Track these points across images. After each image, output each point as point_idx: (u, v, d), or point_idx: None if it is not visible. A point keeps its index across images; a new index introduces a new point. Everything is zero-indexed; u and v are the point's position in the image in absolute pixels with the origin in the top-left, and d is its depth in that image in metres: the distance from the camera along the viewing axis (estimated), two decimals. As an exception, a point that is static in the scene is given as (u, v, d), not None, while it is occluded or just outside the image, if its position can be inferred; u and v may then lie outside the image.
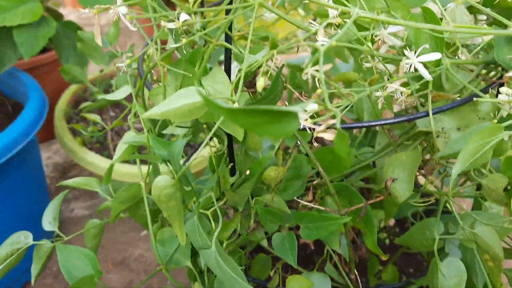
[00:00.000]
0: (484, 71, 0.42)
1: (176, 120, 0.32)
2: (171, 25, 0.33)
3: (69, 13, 2.00)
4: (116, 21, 0.64)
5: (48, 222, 0.58)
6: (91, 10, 0.31)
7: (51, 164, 1.23)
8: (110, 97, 0.48)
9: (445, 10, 0.43)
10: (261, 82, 0.35)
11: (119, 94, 0.47)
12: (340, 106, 0.35)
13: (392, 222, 0.72)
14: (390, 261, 0.64)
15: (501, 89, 0.38)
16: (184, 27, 0.34)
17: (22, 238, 0.55)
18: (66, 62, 0.89)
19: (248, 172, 0.40)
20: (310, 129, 0.36)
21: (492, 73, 0.43)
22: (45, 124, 0.88)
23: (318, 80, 0.32)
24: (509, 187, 0.33)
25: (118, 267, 0.99)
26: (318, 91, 0.34)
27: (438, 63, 0.37)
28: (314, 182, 0.47)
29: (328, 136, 0.36)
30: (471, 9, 0.46)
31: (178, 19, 0.33)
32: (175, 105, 0.32)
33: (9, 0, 0.74)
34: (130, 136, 0.46)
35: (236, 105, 0.34)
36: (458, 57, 0.47)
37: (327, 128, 0.36)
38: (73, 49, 0.88)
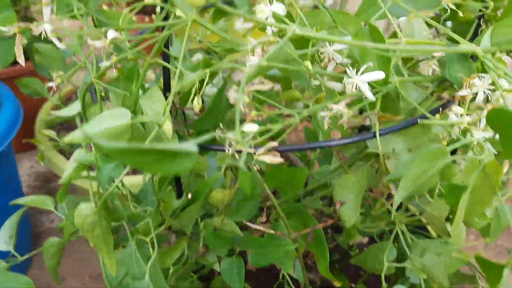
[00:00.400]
0: (439, 88, 0.40)
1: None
2: (98, 44, 0.32)
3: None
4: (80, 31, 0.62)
5: (4, 241, 0.56)
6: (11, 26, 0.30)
7: (33, 174, 1.21)
8: (60, 113, 0.47)
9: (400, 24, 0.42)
10: (195, 102, 0.34)
11: (69, 111, 0.46)
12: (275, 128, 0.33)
13: (365, 239, 0.70)
14: (360, 280, 0.62)
15: (453, 108, 0.36)
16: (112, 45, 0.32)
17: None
18: (43, 71, 0.88)
19: (190, 195, 0.39)
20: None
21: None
22: (28, 133, 0.85)
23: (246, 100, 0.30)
24: (451, 216, 0.31)
25: (95, 280, 0.97)
26: (253, 113, 0.32)
27: (386, 81, 0.35)
28: (268, 203, 0.45)
29: (268, 159, 0.35)
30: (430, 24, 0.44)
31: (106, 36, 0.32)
32: (99, 129, 0.30)
33: (-18, 10, 0.73)
34: (78, 155, 0.45)
35: (166, 126, 0.32)
36: (418, 72, 0.45)
37: (268, 151, 0.35)
38: (49, 57, 0.87)
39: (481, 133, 0.34)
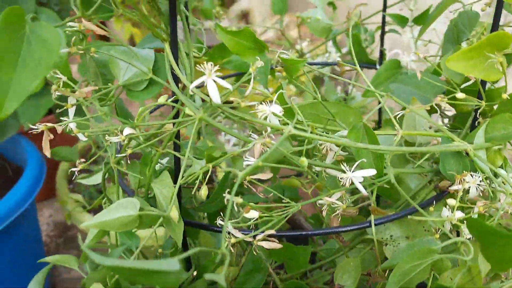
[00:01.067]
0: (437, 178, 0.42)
1: (117, 230, 0.34)
2: (114, 139, 0.35)
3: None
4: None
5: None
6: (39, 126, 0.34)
7: (52, 223, 1.19)
8: (85, 181, 0.51)
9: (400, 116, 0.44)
10: (203, 191, 0.37)
11: (91, 181, 0.50)
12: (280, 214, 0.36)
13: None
14: None
15: (448, 201, 0.38)
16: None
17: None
18: (66, 129, 0.90)
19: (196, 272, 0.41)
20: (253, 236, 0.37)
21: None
22: (48, 182, 0.87)
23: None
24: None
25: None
26: (250, 205, 0.35)
27: (380, 174, 0.37)
28: (273, 278, 0.47)
29: (267, 245, 0.37)
30: (432, 111, 0.46)
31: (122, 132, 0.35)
32: (111, 217, 0.33)
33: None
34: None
35: (173, 214, 0.35)
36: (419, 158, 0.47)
37: (267, 236, 0.37)
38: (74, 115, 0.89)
39: (472, 229, 0.35)
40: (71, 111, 0.36)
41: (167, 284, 0.23)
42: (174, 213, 0.36)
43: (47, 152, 0.35)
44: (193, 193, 0.36)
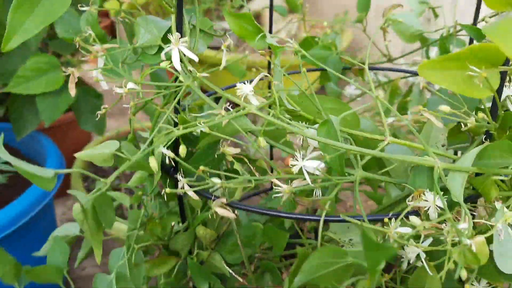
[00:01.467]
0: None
1: (98, 163, 0.41)
2: (119, 90, 0.42)
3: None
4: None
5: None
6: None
7: (65, 220, 1.16)
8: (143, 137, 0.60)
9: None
10: (181, 149, 0.41)
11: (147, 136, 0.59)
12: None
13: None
14: None
15: (411, 218, 0.35)
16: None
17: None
18: (85, 126, 0.90)
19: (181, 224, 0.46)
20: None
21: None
22: (64, 178, 0.85)
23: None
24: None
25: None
26: (201, 167, 0.38)
27: (341, 173, 0.37)
28: (258, 255, 0.49)
29: (220, 211, 0.40)
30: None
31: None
32: (95, 152, 0.40)
33: (34, 70, 0.78)
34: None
35: (152, 163, 0.40)
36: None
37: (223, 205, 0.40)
38: (91, 113, 0.89)
39: (414, 249, 0.33)
40: (100, 61, 0.44)
41: (42, 184, 0.29)
42: (153, 163, 0.41)
43: (72, 92, 0.43)
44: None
